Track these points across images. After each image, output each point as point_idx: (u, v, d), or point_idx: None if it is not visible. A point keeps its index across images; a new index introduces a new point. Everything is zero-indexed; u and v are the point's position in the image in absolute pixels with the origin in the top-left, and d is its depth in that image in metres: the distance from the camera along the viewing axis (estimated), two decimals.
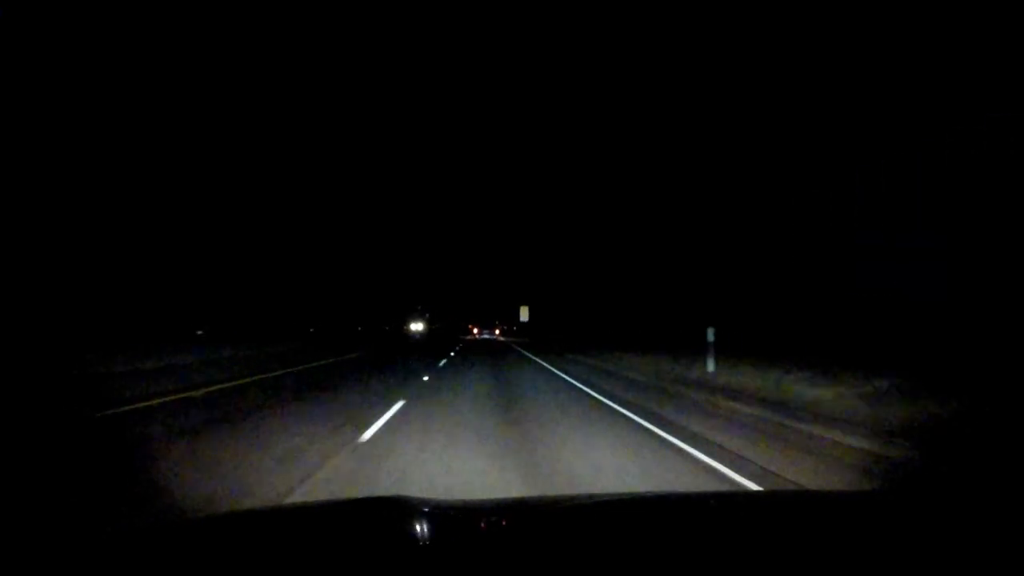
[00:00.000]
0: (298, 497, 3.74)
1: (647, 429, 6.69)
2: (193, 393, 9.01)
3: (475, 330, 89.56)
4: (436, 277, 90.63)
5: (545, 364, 18.53)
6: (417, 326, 58.50)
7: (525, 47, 69.22)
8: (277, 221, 41.35)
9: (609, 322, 35.01)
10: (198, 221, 31.67)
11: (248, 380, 11.31)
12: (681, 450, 5.52)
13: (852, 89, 16.74)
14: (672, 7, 29.17)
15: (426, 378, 12.51)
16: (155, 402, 7.90)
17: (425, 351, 26.36)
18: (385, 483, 4.11)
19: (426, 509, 1.42)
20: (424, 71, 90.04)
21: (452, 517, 1.40)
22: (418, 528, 1.27)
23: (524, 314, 58.35)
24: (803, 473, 4.60)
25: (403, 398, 8.71)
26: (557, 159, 60.36)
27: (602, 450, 5.41)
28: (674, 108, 28.30)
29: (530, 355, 24.00)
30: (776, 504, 1.77)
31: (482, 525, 1.37)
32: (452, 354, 22.95)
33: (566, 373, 14.93)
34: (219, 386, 10.09)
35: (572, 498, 2.16)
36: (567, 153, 56.63)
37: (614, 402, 9.14)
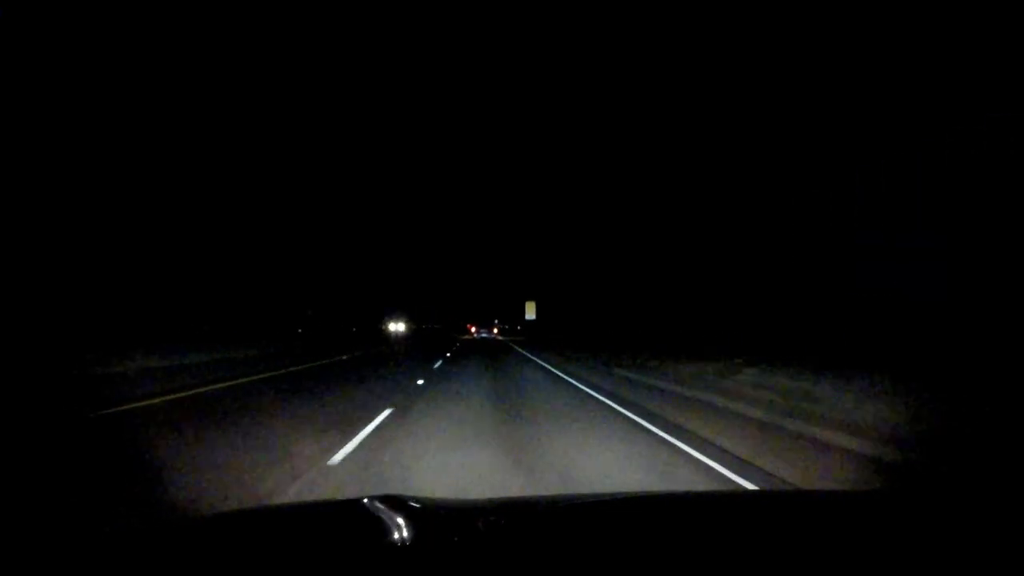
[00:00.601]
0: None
1: None
2: (181, 395, 9.07)
3: (472, 329, 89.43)
4: (429, 277, 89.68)
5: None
6: (397, 327, 53.63)
7: (534, 39, 68.94)
8: (264, 216, 39.65)
9: (615, 323, 34.59)
10: (193, 221, 31.57)
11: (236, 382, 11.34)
12: None
13: (852, 89, 16.74)
14: (675, 6, 29.20)
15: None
16: (147, 403, 7.96)
17: (393, 365, 17.69)
18: None
19: (423, 508, 1.40)
20: (424, 66, 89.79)
21: (448, 516, 1.39)
22: (414, 527, 1.26)
23: (530, 311, 52.23)
24: None
25: None
26: (555, 156, 60.18)
27: None
28: (676, 107, 28.34)
29: (579, 384, 11.89)
30: (775, 504, 1.76)
31: (479, 524, 1.36)
32: (421, 381, 11.79)
33: None
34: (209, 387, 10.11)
35: (569, 497, 2.15)
36: (565, 150, 56.47)
37: None
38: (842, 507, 1.55)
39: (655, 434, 6.30)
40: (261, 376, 12.26)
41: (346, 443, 5.39)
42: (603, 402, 9.03)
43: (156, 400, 8.18)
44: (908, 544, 1.12)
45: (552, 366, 17.42)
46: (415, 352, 26.51)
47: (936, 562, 1.00)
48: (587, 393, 10.27)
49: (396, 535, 1.22)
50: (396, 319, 54.94)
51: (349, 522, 1.34)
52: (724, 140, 23.98)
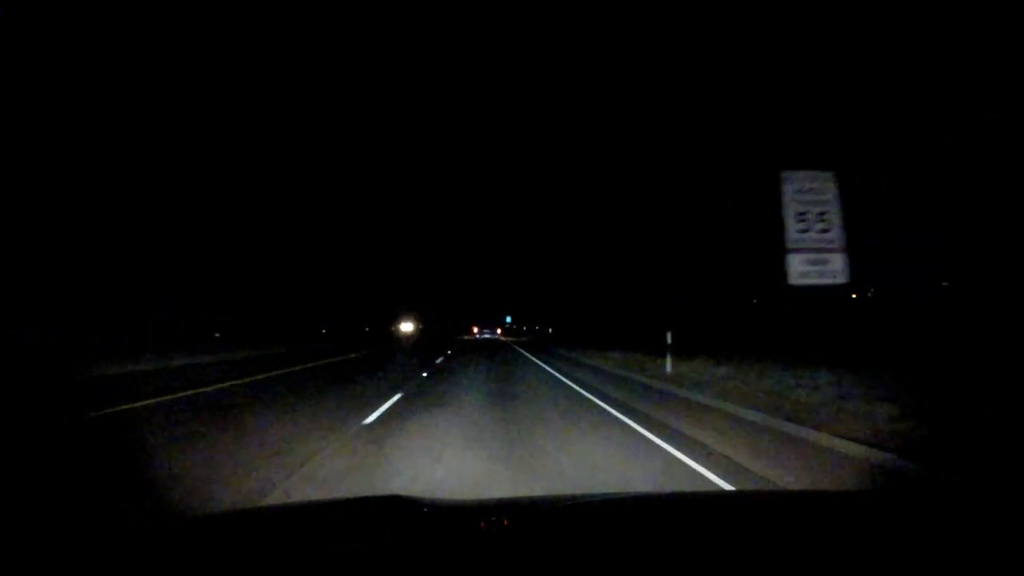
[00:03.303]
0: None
1: None
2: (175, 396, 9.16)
3: (475, 329, 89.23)
4: (430, 278, 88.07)
5: None
6: None
7: (533, 37, 68.17)
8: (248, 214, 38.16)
9: (608, 322, 34.36)
10: (193, 223, 31.39)
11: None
12: None
13: (852, 89, 16.75)
14: (671, 7, 29.21)
15: None
16: (143, 403, 8.02)
17: None
18: None
19: (425, 508, 1.41)
20: (424, 68, 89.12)
21: (451, 516, 1.40)
22: (416, 527, 1.27)
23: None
24: None
25: None
26: (554, 155, 59.83)
27: None
28: (674, 108, 28.33)
29: None
30: (771, 504, 1.77)
31: (480, 524, 1.37)
32: None
33: None
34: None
35: (569, 497, 2.16)
36: (564, 149, 56.08)
37: None
38: (839, 508, 1.56)
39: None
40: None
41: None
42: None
43: (146, 401, 8.26)
44: (907, 544, 1.12)
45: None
46: None
47: (923, 563, 1.01)
48: None
49: (397, 535, 1.22)
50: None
51: (350, 522, 1.35)
52: (724, 141, 24.00)
